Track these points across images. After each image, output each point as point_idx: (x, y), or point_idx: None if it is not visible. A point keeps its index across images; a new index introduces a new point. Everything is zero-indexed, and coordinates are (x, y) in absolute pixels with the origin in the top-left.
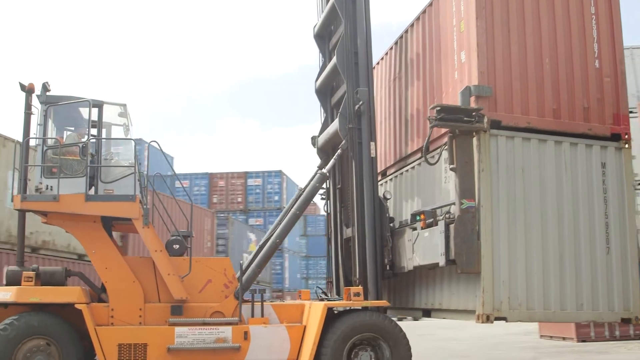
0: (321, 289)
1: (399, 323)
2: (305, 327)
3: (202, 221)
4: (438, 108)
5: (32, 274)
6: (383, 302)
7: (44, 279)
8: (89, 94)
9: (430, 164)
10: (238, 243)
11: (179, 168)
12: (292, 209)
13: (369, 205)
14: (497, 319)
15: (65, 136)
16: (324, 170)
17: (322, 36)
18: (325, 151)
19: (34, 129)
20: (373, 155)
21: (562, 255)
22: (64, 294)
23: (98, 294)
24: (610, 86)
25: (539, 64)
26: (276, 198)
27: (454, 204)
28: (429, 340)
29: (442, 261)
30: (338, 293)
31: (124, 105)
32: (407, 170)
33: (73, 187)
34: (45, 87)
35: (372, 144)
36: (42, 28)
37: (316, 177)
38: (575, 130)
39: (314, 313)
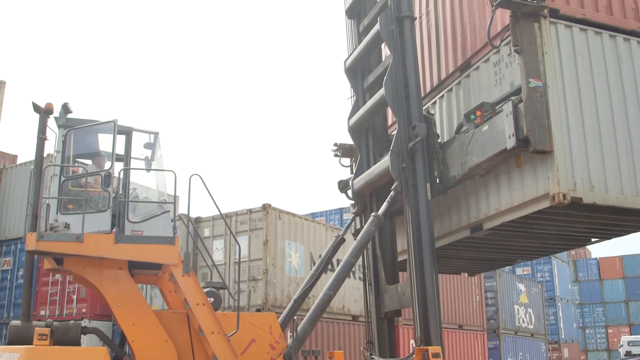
0: (365, 349)
1: None
2: None
3: None
4: None
5: (46, 330)
6: None
7: (57, 337)
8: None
9: (495, 47)
10: (507, 295)
11: None
12: (346, 257)
13: (427, 249)
14: (572, 199)
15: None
16: (379, 214)
17: (355, 71)
18: (362, 195)
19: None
20: (430, 198)
21: (632, 142)
22: (88, 356)
23: (120, 355)
24: None
25: None
26: None
27: (515, 94)
28: None
29: (510, 143)
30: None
31: (156, 134)
32: (442, 96)
33: (92, 226)
34: (66, 109)
35: (428, 185)
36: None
37: (370, 220)
38: (627, 27)
39: None
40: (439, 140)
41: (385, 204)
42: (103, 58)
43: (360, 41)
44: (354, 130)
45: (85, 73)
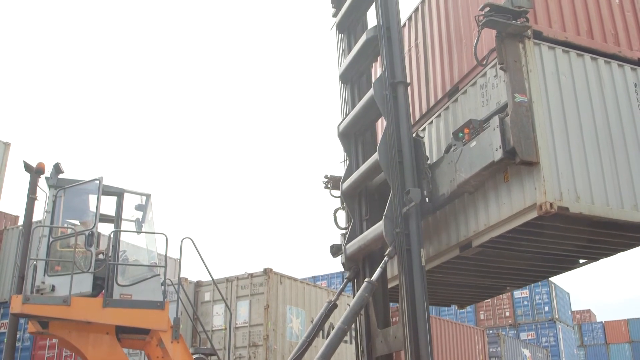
0: None
1: None
2: None
3: (473, 340)
4: (487, 8)
5: None
6: None
7: None
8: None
9: (481, 64)
10: None
11: None
12: (339, 324)
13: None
14: (559, 209)
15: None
16: (373, 279)
17: (348, 135)
18: (354, 260)
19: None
20: (424, 264)
21: (615, 157)
22: None
23: None
24: (632, 19)
25: None
26: (546, 309)
27: (501, 110)
28: None
29: (498, 155)
30: None
31: (148, 196)
32: (431, 122)
33: (73, 287)
34: (58, 169)
35: (423, 250)
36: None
37: (364, 286)
38: (607, 50)
39: None
40: (428, 162)
41: (378, 270)
42: (100, 118)
43: (354, 104)
44: (346, 194)
45: (79, 135)
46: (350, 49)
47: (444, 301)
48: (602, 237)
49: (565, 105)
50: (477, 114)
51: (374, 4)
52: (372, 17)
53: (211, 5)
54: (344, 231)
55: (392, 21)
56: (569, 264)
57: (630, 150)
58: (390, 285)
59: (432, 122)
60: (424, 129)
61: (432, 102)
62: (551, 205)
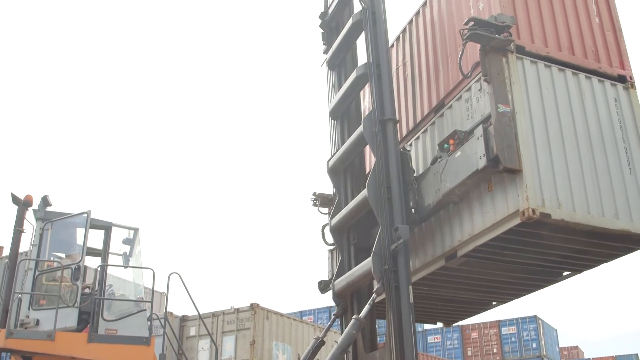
0: None
1: None
2: None
3: None
4: (472, 22)
5: None
6: None
7: None
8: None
9: (466, 77)
10: None
11: None
12: None
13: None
14: (541, 215)
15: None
16: (361, 316)
17: (337, 171)
18: (343, 296)
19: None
20: (412, 300)
21: (596, 167)
22: None
23: None
24: (611, 37)
25: (550, 6)
26: (534, 345)
27: (485, 121)
28: None
29: (481, 164)
30: None
31: (136, 230)
32: (417, 138)
33: (58, 322)
34: (45, 202)
35: (410, 287)
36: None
37: (352, 323)
38: (588, 66)
39: None
40: (415, 175)
41: (367, 307)
42: (87, 150)
43: (343, 140)
44: (335, 230)
45: (68, 166)
46: (340, 85)
47: (430, 318)
48: (584, 247)
49: (547, 117)
50: (462, 127)
51: (362, 34)
52: (361, 45)
53: (211, 25)
54: (331, 247)
55: (382, 58)
56: (553, 277)
57: (611, 161)
58: (377, 300)
59: (418, 137)
60: (410, 144)
61: (418, 118)
62: (534, 211)
